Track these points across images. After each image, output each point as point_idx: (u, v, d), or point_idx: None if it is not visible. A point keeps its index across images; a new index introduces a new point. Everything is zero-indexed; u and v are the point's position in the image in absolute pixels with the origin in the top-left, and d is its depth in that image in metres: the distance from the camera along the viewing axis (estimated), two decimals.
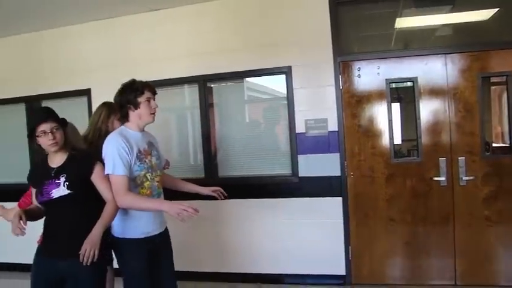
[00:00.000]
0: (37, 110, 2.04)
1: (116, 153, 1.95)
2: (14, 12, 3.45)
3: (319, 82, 3.31)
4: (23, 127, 4.10)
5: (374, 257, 3.31)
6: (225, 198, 2.38)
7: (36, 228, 2.08)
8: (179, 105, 3.88)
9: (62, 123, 2.02)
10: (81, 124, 3.81)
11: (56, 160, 2.01)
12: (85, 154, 2.11)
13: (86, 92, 3.82)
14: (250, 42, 3.42)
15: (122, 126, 2.12)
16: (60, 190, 1.94)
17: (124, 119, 2.12)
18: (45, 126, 1.93)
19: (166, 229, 2.23)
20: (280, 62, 3.35)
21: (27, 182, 2.10)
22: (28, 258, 2.12)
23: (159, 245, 2.14)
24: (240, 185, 3.50)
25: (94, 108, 3.72)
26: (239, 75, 3.48)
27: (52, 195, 1.94)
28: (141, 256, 2.04)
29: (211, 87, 3.57)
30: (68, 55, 3.95)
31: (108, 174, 1.96)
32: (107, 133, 2.23)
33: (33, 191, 2.04)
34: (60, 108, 3.94)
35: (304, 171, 3.35)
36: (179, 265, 3.47)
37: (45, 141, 1.93)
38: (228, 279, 3.54)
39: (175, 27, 3.59)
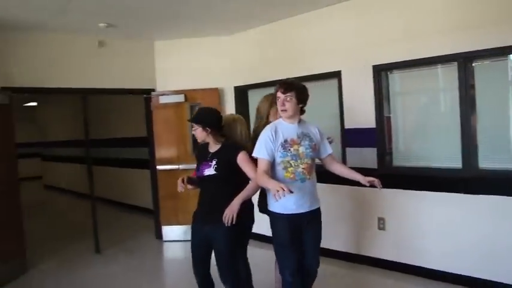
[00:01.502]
0: (198, 109, 3.55)
1: (262, 140, 3.11)
2: (268, 2, 4.98)
3: None
4: None
5: None
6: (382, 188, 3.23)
7: None
8: (430, 86, 4.64)
9: (204, 124, 3.29)
10: (332, 107, 5.18)
11: (213, 148, 3.37)
12: (233, 144, 3.37)
13: (336, 75, 5.09)
14: None
15: (279, 119, 3.25)
16: (210, 170, 3.28)
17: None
18: (192, 124, 3.38)
19: (315, 210, 3.23)
20: None
21: None
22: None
23: (304, 223, 3.15)
24: (503, 179, 3.99)
25: (344, 90, 5.01)
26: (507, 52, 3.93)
27: (204, 173, 3.31)
28: (284, 229, 3.10)
29: (473, 67, 4.18)
30: (317, 38, 5.31)
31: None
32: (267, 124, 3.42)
33: None
34: (311, 90, 5.46)
35: None
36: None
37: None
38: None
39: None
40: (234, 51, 6.44)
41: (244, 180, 3.28)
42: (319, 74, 5.27)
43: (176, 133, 6.48)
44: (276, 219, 3.18)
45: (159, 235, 6.60)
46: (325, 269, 4.86)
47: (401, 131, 4.80)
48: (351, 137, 5.00)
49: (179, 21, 5.59)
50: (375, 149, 4.76)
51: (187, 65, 6.52)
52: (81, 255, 5.97)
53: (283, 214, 3.13)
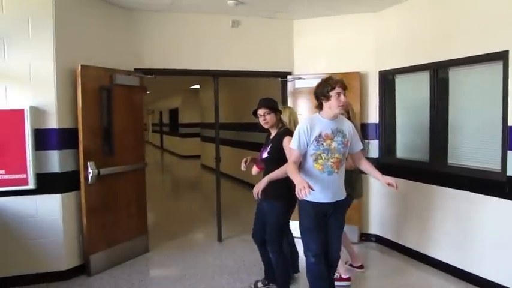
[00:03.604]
0: (260, 99, 3.99)
1: (297, 132, 3.39)
2: None
3: None
4: (425, 97, 4.96)
5: None
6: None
7: None
8: None
9: (274, 110, 3.91)
10: (492, 97, 4.17)
11: (272, 134, 3.99)
12: (284, 130, 3.91)
13: (502, 56, 4.02)
14: None
15: (316, 113, 3.48)
16: (266, 153, 3.94)
17: (319, 108, 3.43)
18: (260, 111, 3.92)
19: (340, 201, 3.48)
20: None
21: None
22: None
23: (328, 211, 3.43)
24: None
25: (511, 74, 3.96)
26: None
27: (263, 156, 3.99)
28: (309, 215, 3.39)
29: None
30: (478, 10, 4.27)
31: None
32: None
33: None
34: (468, 76, 4.48)
35: None
36: None
37: (260, 121, 3.94)
38: None
39: None
40: (380, 30, 5.69)
41: None
42: (479, 56, 4.27)
43: None
44: (302, 205, 3.45)
45: None
46: None
47: None
48: None
49: None
50: None
51: (327, 46, 6.00)
52: (204, 241, 6.03)
53: (308, 201, 3.34)
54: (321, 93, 3.38)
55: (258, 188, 3.57)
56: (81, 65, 4.54)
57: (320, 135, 3.36)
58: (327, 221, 3.47)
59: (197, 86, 15.06)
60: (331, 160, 3.38)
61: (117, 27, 5.28)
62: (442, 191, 4.72)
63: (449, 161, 4.80)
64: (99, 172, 4.64)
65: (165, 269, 4.95)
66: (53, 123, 4.48)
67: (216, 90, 5.96)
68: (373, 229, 5.87)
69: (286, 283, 4.01)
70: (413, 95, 5.38)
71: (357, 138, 3.60)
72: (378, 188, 5.71)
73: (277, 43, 6.12)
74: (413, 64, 5.14)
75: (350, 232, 5.68)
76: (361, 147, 3.66)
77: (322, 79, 3.48)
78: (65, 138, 4.56)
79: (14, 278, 4.38)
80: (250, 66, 6.00)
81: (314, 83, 5.74)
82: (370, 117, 5.84)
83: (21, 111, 4.31)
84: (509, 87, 3.97)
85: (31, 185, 4.37)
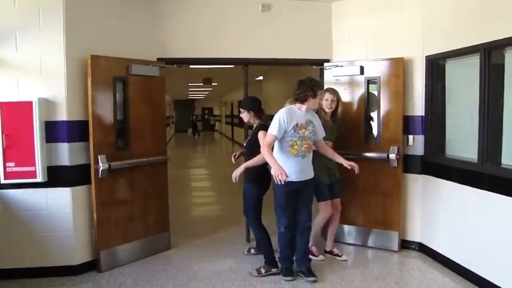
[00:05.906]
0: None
1: (277, 120, 3.97)
2: None
3: None
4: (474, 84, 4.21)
5: None
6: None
7: None
8: None
9: (246, 109, 4.58)
10: None
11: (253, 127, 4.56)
12: (258, 125, 4.45)
13: None
14: None
15: (292, 105, 4.16)
16: (245, 143, 4.66)
17: (299, 101, 4.10)
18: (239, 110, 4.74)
19: (309, 179, 4.19)
20: None
21: None
22: None
23: (300, 188, 4.12)
24: None
25: None
26: None
27: (244, 145, 4.66)
28: (282, 191, 4.05)
29: None
30: None
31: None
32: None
33: None
34: None
35: None
36: None
37: None
38: None
39: None
40: (428, 6, 4.90)
41: None
42: None
43: (350, 114, 5.35)
44: (277, 185, 3.94)
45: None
46: None
47: None
48: None
49: None
50: None
51: (368, 30, 5.35)
52: (232, 241, 5.64)
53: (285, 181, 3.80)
54: (311, 90, 4.03)
55: (236, 173, 4.28)
56: (92, 55, 4.35)
57: (297, 124, 4.02)
58: (297, 196, 4.15)
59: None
60: (304, 146, 4.07)
61: (136, 15, 5.02)
62: (493, 198, 3.95)
63: (503, 162, 4.03)
64: (110, 166, 4.46)
65: (178, 269, 4.66)
66: (62, 115, 4.35)
67: (245, 80, 5.56)
68: (416, 236, 5.15)
69: (267, 248, 4.49)
70: (467, 83, 4.59)
71: (321, 128, 4.28)
72: (421, 189, 5.03)
73: (313, 28, 5.56)
74: (467, 45, 4.29)
75: (389, 239, 5.10)
76: (324, 135, 4.34)
77: (309, 80, 4.12)
78: (75, 131, 4.42)
79: (23, 269, 4.34)
80: (284, 54, 5.50)
81: (353, 70, 5.29)
82: (415, 109, 5.11)
83: (30, 103, 4.20)
84: None
85: (40, 178, 4.26)
